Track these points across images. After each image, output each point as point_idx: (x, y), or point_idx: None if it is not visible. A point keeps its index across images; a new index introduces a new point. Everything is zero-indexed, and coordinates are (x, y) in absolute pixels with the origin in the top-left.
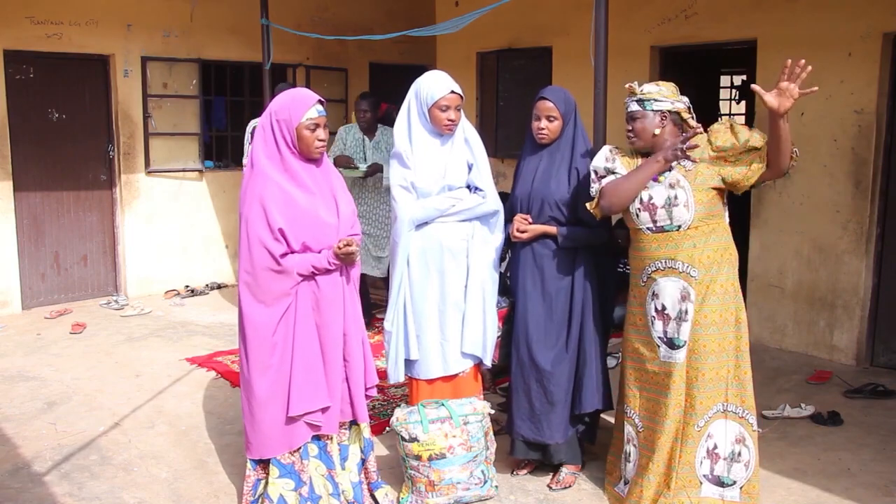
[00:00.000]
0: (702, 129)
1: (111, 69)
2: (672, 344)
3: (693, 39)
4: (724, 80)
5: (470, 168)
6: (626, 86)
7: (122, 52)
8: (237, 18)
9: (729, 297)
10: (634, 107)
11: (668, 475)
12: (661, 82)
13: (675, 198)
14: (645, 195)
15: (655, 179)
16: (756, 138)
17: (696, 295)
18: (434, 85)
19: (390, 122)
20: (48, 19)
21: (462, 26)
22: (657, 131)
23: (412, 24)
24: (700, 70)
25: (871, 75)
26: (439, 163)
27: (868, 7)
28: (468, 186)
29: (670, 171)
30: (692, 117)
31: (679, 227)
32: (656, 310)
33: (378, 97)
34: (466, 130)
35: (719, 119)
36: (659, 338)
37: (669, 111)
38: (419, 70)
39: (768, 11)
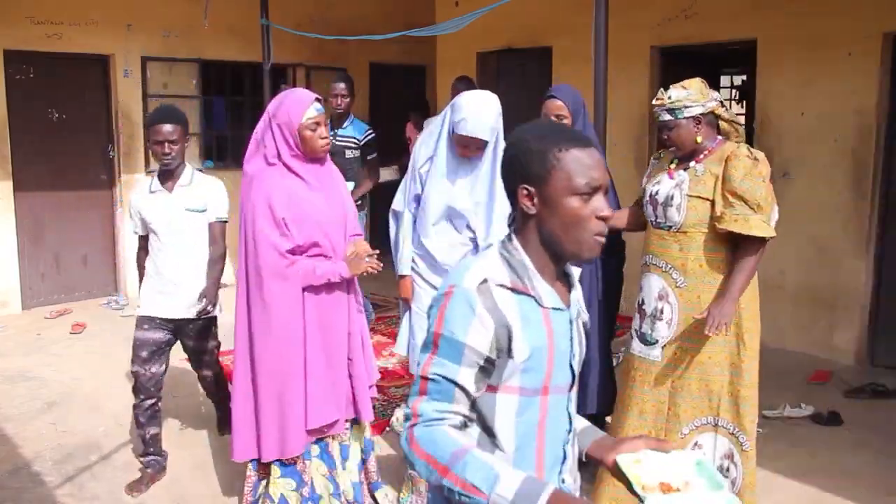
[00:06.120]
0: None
1: (111, 69)
2: (644, 339)
3: (693, 39)
4: (725, 80)
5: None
6: (655, 101)
7: (122, 52)
8: (237, 18)
9: None
10: (666, 116)
11: None
12: (687, 83)
13: (672, 198)
14: (653, 189)
15: (671, 176)
16: (755, 225)
17: (681, 302)
18: (466, 119)
19: None
20: (48, 19)
21: (462, 26)
22: (699, 139)
23: (412, 24)
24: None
25: (871, 75)
26: (447, 184)
27: (868, 7)
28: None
29: (685, 170)
30: (726, 110)
31: (670, 227)
32: (638, 303)
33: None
34: (498, 170)
35: (748, 151)
36: (634, 330)
37: (702, 114)
38: (419, 70)
39: (768, 11)
